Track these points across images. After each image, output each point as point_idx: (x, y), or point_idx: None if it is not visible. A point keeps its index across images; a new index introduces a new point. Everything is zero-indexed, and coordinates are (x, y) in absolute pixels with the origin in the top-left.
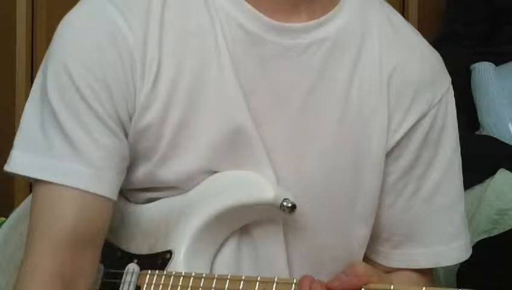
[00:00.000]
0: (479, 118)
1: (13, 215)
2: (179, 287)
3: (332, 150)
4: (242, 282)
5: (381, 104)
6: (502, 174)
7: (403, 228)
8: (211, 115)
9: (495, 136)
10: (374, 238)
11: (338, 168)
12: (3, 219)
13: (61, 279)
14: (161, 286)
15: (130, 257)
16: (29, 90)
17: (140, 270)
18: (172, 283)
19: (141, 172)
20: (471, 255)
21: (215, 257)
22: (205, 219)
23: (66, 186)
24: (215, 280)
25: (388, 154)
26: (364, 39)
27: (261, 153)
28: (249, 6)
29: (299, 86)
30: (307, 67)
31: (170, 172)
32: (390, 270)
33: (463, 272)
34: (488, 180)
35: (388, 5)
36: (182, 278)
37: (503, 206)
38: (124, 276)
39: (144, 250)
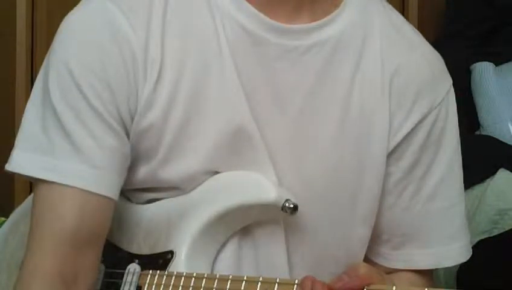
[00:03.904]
0: (479, 118)
1: (13, 215)
2: (180, 288)
3: (333, 151)
4: (244, 282)
5: (383, 105)
6: (502, 174)
7: (403, 229)
8: (212, 115)
9: (495, 136)
10: (374, 239)
11: (339, 169)
12: (3, 219)
13: (62, 279)
14: (162, 286)
15: (131, 257)
16: (29, 90)
17: (142, 270)
18: (173, 283)
19: (142, 172)
20: (471, 255)
21: (216, 257)
22: (206, 220)
23: (67, 186)
24: (216, 280)
25: (389, 155)
26: (366, 40)
27: (263, 154)
28: (251, 7)
29: (300, 87)
30: (308, 69)
31: (171, 172)
32: (390, 271)
33: (463, 272)
34: (488, 180)
35: (389, 5)
36: (183, 278)
37: (503, 206)
38: (125, 276)
39: (145, 250)
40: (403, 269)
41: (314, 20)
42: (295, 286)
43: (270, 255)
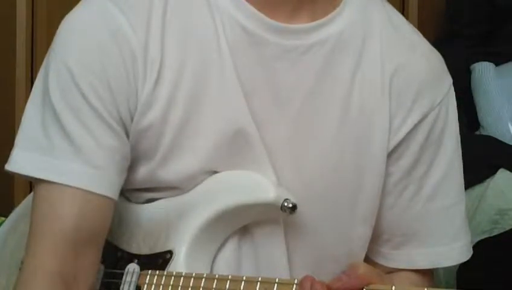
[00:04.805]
0: (479, 118)
1: (13, 215)
2: (180, 288)
3: (333, 151)
4: (243, 282)
5: (383, 105)
6: (502, 174)
7: (403, 229)
8: (212, 115)
9: (495, 136)
10: (375, 239)
11: (339, 168)
12: (3, 218)
13: (61, 279)
14: (161, 286)
15: (130, 257)
16: (29, 90)
17: (141, 270)
18: (172, 283)
19: (142, 172)
20: (471, 255)
21: (215, 256)
22: (206, 219)
23: (67, 185)
24: (215, 281)
25: (389, 155)
26: (365, 40)
27: (262, 154)
28: (250, 7)
29: (300, 87)
30: (307, 68)
31: (171, 172)
32: (390, 271)
33: (463, 272)
34: (488, 180)
35: (389, 5)
36: (182, 278)
37: (503, 206)
38: (124, 276)
39: (144, 250)
40: (403, 269)
41: (314, 20)
42: (294, 285)
43: (269, 255)
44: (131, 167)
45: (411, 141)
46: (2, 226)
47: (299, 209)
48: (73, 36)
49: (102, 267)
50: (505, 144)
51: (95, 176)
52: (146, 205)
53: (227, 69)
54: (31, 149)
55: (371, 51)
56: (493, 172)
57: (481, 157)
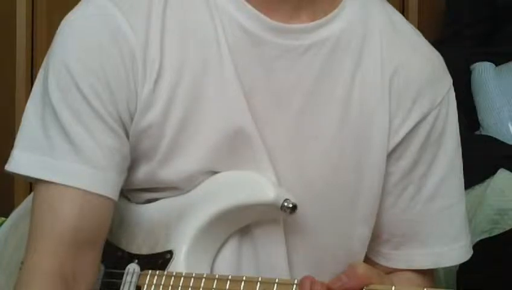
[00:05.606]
0: (479, 118)
1: (13, 215)
2: (180, 288)
3: (333, 151)
4: (243, 283)
5: (383, 105)
6: (502, 174)
7: (403, 229)
8: (212, 115)
9: (495, 136)
10: (375, 239)
11: (339, 168)
12: (3, 218)
13: (62, 279)
14: (161, 286)
15: (130, 257)
16: (29, 90)
17: (141, 270)
18: (172, 284)
19: (142, 172)
20: (471, 255)
21: (215, 257)
22: (206, 219)
23: (67, 186)
24: (215, 281)
25: (389, 155)
26: (365, 40)
27: (262, 154)
28: (250, 7)
29: (299, 87)
30: (307, 68)
31: (171, 172)
32: (390, 271)
33: (463, 272)
34: (488, 180)
35: (389, 5)
36: (182, 278)
37: (503, 206)
38: (124, 276)
39: (144, 250)
40: (403, 269)
41: (314, 20)
42: (294, 286)
43: (270, 255)
44: (132, 167)
45: (411, 141)
46: (2, 226)
47: (299, 209)
48: (73, 36)
49: (102, 267)
50: (505, 144)
51: (94, 176)
52: (146, 205)
53: (227, 69)
54: (31, 149)
55: (371, 51)
56: (493, 172)
57: (481, 157)
